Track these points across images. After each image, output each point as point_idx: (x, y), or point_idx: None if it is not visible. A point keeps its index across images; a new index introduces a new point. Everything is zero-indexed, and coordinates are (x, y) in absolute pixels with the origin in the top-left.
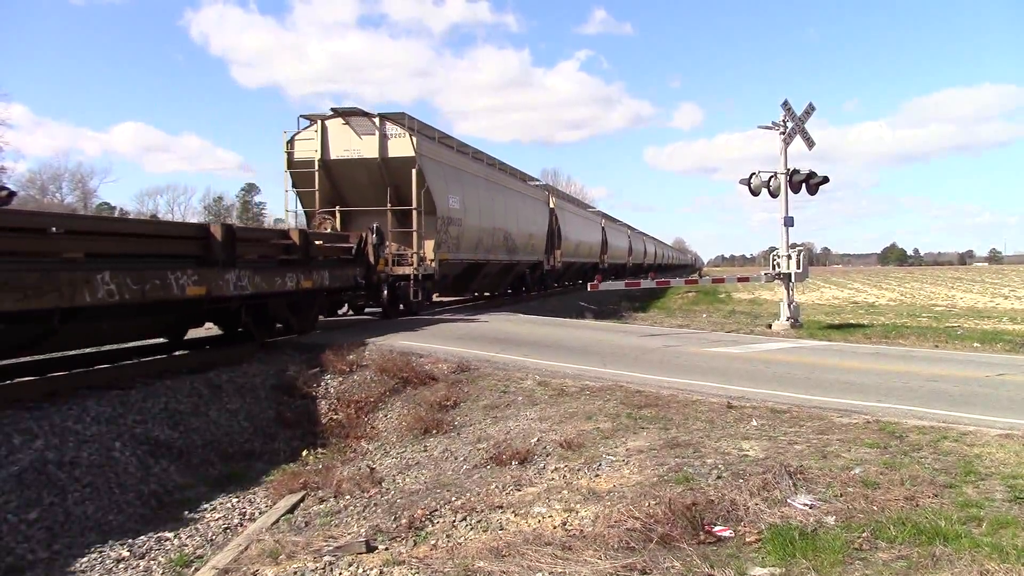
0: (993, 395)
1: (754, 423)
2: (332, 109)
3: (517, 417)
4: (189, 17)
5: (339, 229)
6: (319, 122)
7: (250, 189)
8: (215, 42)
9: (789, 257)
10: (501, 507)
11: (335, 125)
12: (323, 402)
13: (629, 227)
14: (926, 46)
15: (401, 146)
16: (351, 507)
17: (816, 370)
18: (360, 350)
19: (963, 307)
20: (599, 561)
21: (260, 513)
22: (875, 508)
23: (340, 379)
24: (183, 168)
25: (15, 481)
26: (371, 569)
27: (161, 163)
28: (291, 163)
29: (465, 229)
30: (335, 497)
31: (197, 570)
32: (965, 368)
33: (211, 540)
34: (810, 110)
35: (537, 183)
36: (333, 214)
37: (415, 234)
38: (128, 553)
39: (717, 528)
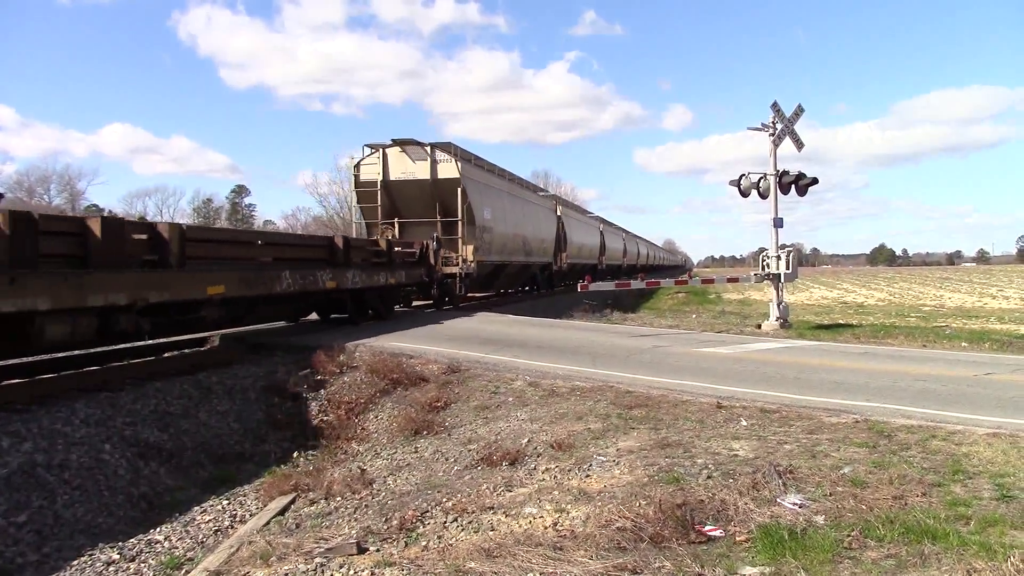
0: (981, 394)
1: (744, 423)
2: (392, 140)
3: (508, 418)
4: (177, 18)
5: (397, 237)
6: (380, 150)
7: (240, 191)
8: (203, 43)
9: (779, 258)
10: (492, 508)
11: (394, 152)
12: (313, 403)
13: (624, 230)
14: (916, 48)
15: (448, 169)
16: (342, 508)
17: (805, 370)
18: (350, 351)
19: (951, 307)
20: (590, 561)
21: (251, 515)
22: (864, 507)
23: (331, 380)
24: (172, 170)
25: (4, 484)
26: (362, 570)
27: (150, 165)
28: (357, 183)
29: (495, 235)
30: (326, 499)
31: (188, 572)
32: (953, 367)
33: (202, 542)
34: (799, 112)
35: (546, 193)
36: (392, 225)
37: (460, 240)
38: (118, 556)
39: (707, 528)
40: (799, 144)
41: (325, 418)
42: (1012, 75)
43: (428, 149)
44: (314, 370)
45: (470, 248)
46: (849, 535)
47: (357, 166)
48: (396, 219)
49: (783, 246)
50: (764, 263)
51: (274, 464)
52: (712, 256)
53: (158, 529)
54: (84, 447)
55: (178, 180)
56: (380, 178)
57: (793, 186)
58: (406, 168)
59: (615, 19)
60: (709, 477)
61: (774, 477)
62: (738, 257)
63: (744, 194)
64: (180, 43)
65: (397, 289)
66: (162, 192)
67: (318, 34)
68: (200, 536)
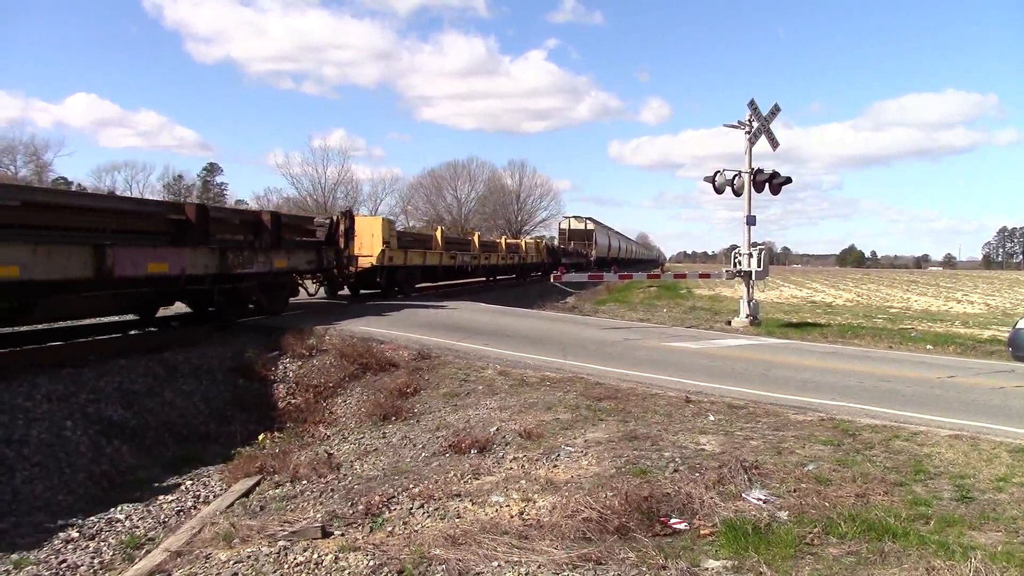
0: (944, 396)
1: (711, 418)
2: (574, 216)
3: (477, 406)
4: None
5: (572, 247)
6: (568, 218)
7: (212, 169)
8: (169, 14)
9: (750, 255)
10: (459, 495)
11: (572, 219)
12: (281, 386)
13: (594, 220)
14: (894, 49)
15: (590, 226)
16: (307, 492)
17: (773, 367)
18: (320, 335)
19: (918, 310)
20: (555, 551)
21: (215, 496)
22: (827, 504)
23: (299, 363)
24: (139, 144)
25: None
26: (326, 554)
27: (116, 138)
28: (559, 230)
29: (600, 247)
30: (292, 482)
31: (149, 552)
32: (918, 369)
33: (164, 522)
34: (776, 111)
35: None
36: (570, 243)
37: (592, 248)
38: (78, 534)
39: (672, 520)
40: (774, 143)
41: (293, 401)
42: (987, 81)
43: (585, 218)
44: (283, 352)
45: (594, 251)
46: (811, 531)
47: (559, 223)
48: (572, 241)
49: (755, 244)
50: (736, 260)
51: (240, 446)
52: (684, 252)
53: (119, 508)
54: (45, 423)
55: (146, 155)
56: (567, 228)
57: (767, 184)
58: (575, 225)
59: (595, 7)
60: (676, 470)
61: (740, 472)
62: (710, 253)
63: (719, 191)
64: (145, 13)
65: (573, 264)
66: (131, 167)
67: (289, 10)
68: (162, 516)
